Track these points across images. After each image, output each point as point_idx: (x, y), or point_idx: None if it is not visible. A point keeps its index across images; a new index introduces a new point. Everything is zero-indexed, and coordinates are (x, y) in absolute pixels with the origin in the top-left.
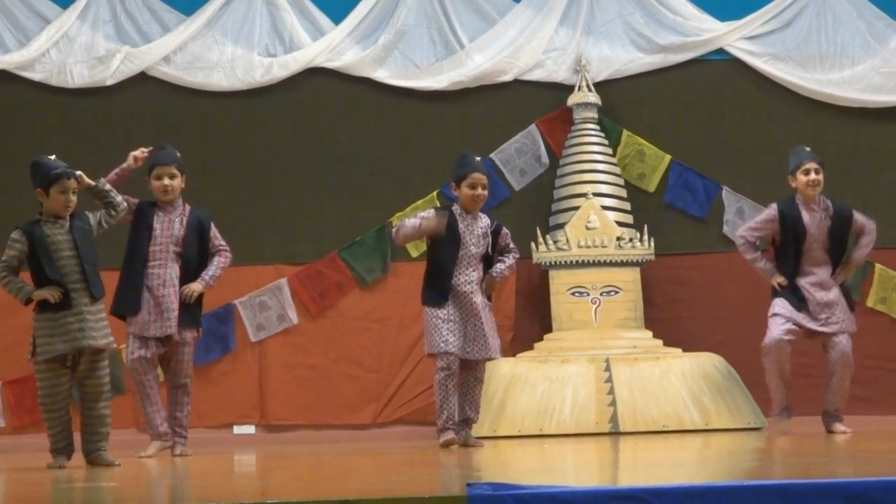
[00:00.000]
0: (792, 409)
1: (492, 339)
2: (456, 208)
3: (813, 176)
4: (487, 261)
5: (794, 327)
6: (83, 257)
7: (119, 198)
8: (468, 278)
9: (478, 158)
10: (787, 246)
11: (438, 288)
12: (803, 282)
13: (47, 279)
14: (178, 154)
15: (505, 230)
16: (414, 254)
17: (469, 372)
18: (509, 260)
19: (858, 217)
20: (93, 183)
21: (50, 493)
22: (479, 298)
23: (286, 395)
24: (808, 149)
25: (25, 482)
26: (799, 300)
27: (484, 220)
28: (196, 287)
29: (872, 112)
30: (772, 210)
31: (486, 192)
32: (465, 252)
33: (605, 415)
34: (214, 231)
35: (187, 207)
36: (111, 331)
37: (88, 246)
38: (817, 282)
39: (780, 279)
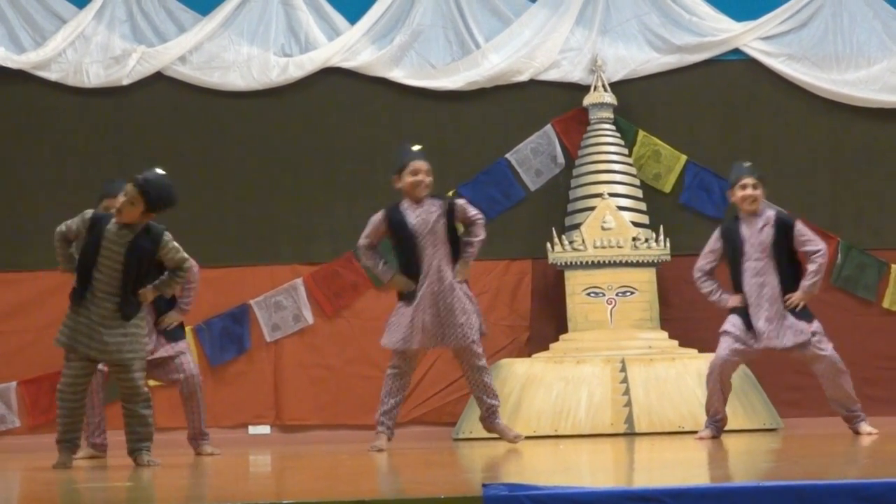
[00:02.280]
0: (725, 422)
1: (449, 328)
2: (403, 203)
3: (750, 191)
4: (454, 242)
5: (741, 347)
6: (126, 277)
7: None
8: (430, 264)
9: (416, 147)
10: (730, 261)
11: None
12: (748, 291)
13: (83, 275)
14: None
15: (459, 202)
16: None
17: (461, 365)
18: (474, 236)
19: (801, 228)
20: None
21: (64, 493)
22: (442, 286)
23: (301, 396)
24: (747, 164)
25: (40, 481)
26: (748, 321)
27: (435, 205)
28: (174, 317)
29: (889, 112)
30: (715, 232)
31: (429, 178)
32: (421, 242)
33: (620, 415)
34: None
35: None
36: (139, 348)
37: (137, 266)
38: (761, 293)
39: (734, 302)
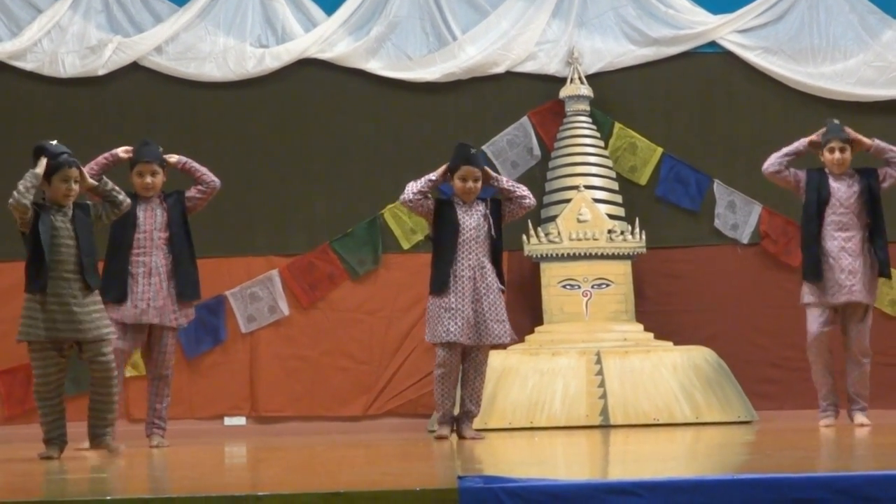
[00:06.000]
0: (839, 405)
1: (494, 323)
2: (454, 197)
3: (837, 155)
4: (494, 243)
5: (828, 315)
6: (81, 248)
7: (122, 195)
8: (470, 263)
9: (473, 150)
10: (810, 208)
11: (441, 275)
12: (829, 245)
13: (41, 262)
14: (161, 150)
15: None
16: (405, 245)
17: (469, 363)
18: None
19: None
20: (95, 183)
21: (40, 484)
22: (482, 283)
23: (277, 387)
24: (836, 122)
25: (16, 472)
26: (819, 273)
27: (480, 206)
28: (174, 155)
29: (864, 106)
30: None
31: (477, 185)
32: (464, 237)
33: (595, 408)
34: (192, 190)
35: (163, 194)
36: (109, 322)
37: (88, 237)
38: (844, 247)
39: (811, 137)
